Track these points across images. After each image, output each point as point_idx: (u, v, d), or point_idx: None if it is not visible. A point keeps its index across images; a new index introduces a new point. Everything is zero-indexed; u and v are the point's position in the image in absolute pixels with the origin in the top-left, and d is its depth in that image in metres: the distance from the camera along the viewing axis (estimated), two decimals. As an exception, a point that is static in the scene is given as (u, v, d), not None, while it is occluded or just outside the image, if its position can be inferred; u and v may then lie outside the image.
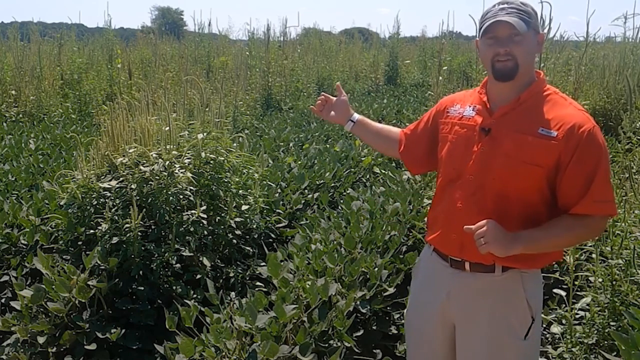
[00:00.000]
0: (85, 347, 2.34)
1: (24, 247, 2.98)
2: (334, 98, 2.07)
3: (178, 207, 2.96)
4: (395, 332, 2.65)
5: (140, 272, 2.70)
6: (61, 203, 2.96)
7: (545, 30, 4.48)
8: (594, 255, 2.55)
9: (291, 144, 5.55)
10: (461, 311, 1.73)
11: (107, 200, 2.87)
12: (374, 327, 2.62)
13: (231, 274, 2.96)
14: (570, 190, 1.59)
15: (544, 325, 2.64)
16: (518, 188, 1.61)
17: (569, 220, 1.60)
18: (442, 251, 1.78)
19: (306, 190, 4.02)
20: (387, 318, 2.72)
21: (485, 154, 1.65)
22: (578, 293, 2.56)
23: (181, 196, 2.90)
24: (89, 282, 2.46)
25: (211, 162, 3.12)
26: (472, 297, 1.70)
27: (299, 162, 4.50)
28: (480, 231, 1.53)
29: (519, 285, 1.66)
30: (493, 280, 1.67)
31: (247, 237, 3.27)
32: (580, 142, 1.55)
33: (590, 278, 2.58)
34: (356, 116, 2.05)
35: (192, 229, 2.85)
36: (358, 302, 2.44)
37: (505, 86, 1.66)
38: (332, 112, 2.05)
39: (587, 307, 2.47)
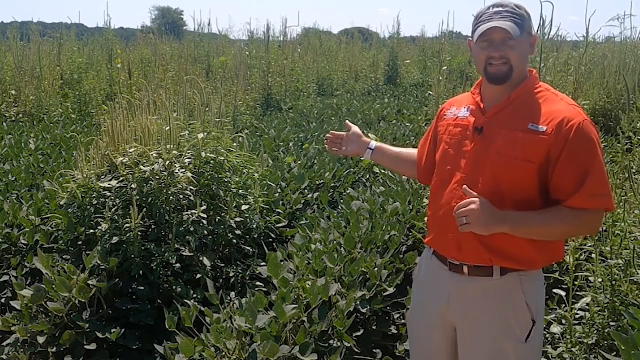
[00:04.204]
0: (85, 347, 2.34)
1: (24, 247, 2.98)
2: (344, 134, 2.11)
3: (178, 207, 2.96)
4: (395, 332, 2.65)
5: (140, 272, 2.70)
6: (61, 203, 2.96)
7: (547, 30, 4.48)
8: (594, 255, 2.55)
9: (291, 144, 5.55)
10: (462, 315, 1.73)
11: (107, 200, 2.87)
12: (374, 327, 2.62)
13: (231, 274, 2.96)
14: (563, 184, 1.57)
15: (544, 326, 2.64)
16: (511, 185, 1.61)
17: (565, 211, 1.58)
18: (440, 253, 1.78)
19: (306, 190, 4.02)
20: (387, 318, 2.72)
21: (478, 152, 1.67)
22: (578, 293, 2.56)
23: (181, 196, 2.90)
24: (89, 282, 2.46)
25: (211, 162, 3.12)
26: (472, 301, 1.70)
27: (299, 162, 4.50)
28: (462, 211, 1.54)
29: (518, 288, 1.66)
30: (492, 283, 1.67)
31: (247, 237, 3.27)
32: (569, 136, 1.55)
33: (590, 278, 2.58)
34: (373, 144, 2.09)
35: (192, 229, 2.86)
36: (358, 302, 2.44)
37: (498, 87, 1.68)
38: (348, 147, 2.10)
39: (587, 307, 2.46)
